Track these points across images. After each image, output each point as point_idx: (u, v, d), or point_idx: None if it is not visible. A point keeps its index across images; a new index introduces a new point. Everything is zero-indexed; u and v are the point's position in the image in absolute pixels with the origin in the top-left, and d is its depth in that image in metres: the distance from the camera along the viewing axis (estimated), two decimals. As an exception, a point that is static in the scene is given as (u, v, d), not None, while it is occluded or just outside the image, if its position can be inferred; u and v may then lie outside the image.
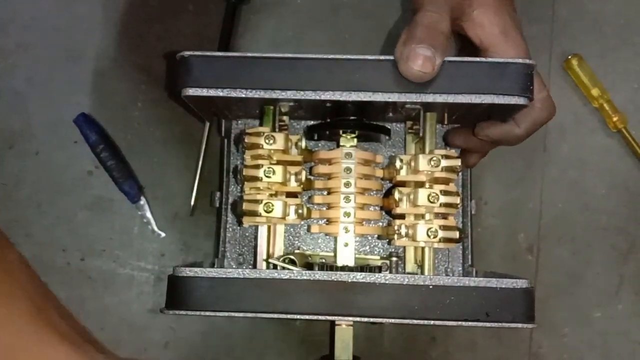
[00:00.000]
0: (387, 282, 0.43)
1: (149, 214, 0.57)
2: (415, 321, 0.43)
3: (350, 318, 0.44)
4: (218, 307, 0.43)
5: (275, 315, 0.43)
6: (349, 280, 0.43)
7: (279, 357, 0.56)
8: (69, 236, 0.58)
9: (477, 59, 0.44)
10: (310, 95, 0.44)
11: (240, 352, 0.56)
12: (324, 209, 0.52)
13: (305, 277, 0.43)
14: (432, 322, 0.43)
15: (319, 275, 0.43)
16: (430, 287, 0.43)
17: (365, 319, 0.43)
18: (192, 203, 0.57)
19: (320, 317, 0.43)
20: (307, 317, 0.43)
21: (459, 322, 0.43)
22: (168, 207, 0.58)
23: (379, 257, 0.53)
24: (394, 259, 0.52)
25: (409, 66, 0.42)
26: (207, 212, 0.57)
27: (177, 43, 0.60)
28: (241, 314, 0.43)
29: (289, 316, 0.43)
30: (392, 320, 0.43)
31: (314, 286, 0.43)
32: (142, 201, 0.57)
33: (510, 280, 0.43)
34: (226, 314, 0.43)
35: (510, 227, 0.57)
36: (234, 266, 0.54)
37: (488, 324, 0.43)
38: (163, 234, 0.58)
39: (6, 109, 0.59)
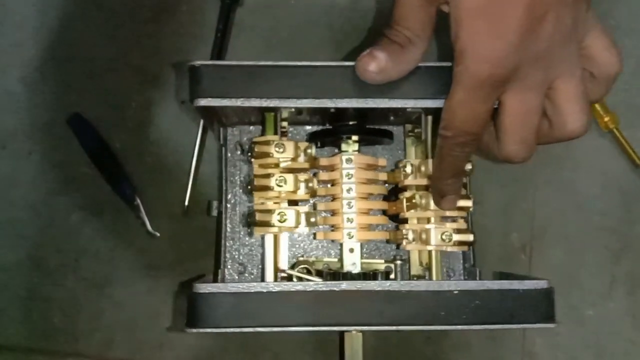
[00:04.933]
0: (412, 289, 0.43)
1: (143, 215, 0.57)
2: (441, 327, 0.43)
3: (379, 327, 0.43)
4: (243, 323, 0.42)
5: (303, 329, 0.42)
6: (376, 289, 0.43)
7: (274, 358, 0.56)
8: (63, 237, 0.57)
9: None
10: (328, 103, 0.44)
11: (235, 353, 0.56)
12: (330, 215, 0.51)
13: (331, 288, 0.43)
14: (459, 327, 0.43)
15: (344, 285, 0.43)
16: (456, 292, 0.43)
17: (395, 328, 0.43)
18: (186, 204, 0.57)
19: (350, 328, 0.43)
20: (335, 328, 0.43)
21: (485, 326, 0.43)
22: (162, 207, 0.58)
23: (383, 261, 0.53)
24: (399, 262, 0.51)
25: (357, 61, 0.43)
26: (201, 213, 0.57)
27: (171, 43, 0.60)
28: (267, 329, 0.42)
29: (316, 329, 0.43)
30: (420, 328, 0.43)
31: (341, 296, 0.43)
32: (137, 201, 0.57)
33: (531, 281, 0.44)
34: (252, 329, 0.42)
35: (504, 227, 0.58)
36: (234, 275, 0.53)
37: (513, 326, 0.43)
38: (157, 234, 0.57)
39: (-1, 109, 0.59)
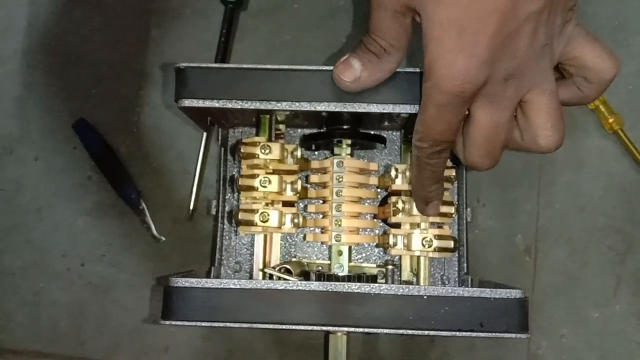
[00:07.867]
0: (382, 292, 0.43)
1: (148, 219, 0.58)
2: (409, 331, 0.43)
3: (345, 328, 0.44)
4: (214, 318, 0.43)
5: (271, 326, 0.43)
6: (344, 291, 0.43)
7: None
8: (69, 241, 0.58)
9: None
10: (306, 106, 0.44)
11: (241, 356, 0.57)
12: (320, 217, 0.52)
13: (300, 288, 0.43)
14: (426, 332, 0.43)
15: (314, 285, 0.44)
16: (425, 297, 0.43)
17: (360, 330, 0.43)
18: (191, 207, 0.58)
19: (315, 328, 0.43)
20: (302, 327, 0.43)
21: (453, 332, 0.43)
22: (167, 211, 0.58)
23: (375, 265, 0.53)
24: (390, 267, 0.52)
25: (334, 68, 0.43)
26: (206, 217, 0.57)
27: (175, 48, 0.60)
28: (237, 325, 0.43)
29: (284, 327, 0.43)
30: (387, 331, 0.43)
31: (310, 296, 0.43)
32: (142, 206, 0.58)
33: (504, 290, 0.43)
34: (222, 324, 0.43)
35: (508, 229, 0.58)
36: (230, 274, 0.54)
37: (482, 334, 0.43)
38: (163, 239, 0.58)
39: (5, 115, 0.60)
